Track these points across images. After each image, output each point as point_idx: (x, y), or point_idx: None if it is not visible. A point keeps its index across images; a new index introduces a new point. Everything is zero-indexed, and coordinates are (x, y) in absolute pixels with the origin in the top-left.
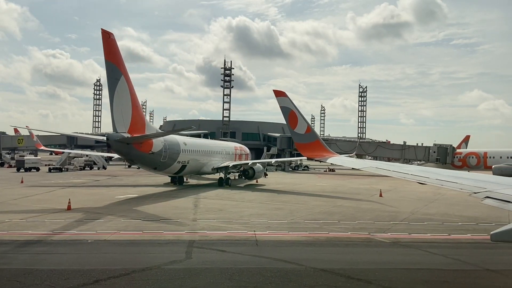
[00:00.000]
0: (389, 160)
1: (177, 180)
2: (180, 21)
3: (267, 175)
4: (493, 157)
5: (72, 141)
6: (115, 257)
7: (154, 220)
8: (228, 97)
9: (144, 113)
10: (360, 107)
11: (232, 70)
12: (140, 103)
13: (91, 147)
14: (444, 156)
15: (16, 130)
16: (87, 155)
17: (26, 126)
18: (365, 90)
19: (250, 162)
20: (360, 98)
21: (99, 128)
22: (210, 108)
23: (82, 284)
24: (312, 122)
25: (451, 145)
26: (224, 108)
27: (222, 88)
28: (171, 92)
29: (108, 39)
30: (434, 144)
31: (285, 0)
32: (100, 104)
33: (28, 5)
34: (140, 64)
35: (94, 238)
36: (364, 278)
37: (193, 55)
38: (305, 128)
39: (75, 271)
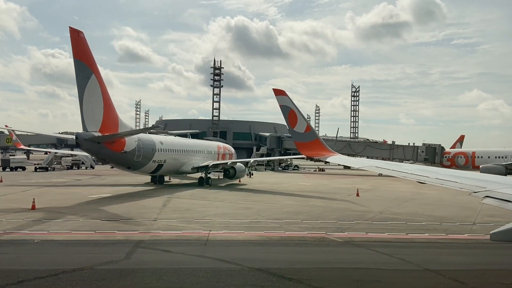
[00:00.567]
0: (382, 160)
1: (157, 179)
2: (179, 20)
3: (252, 174)
4: (481, 157)
5: (62, 141)
6: (53, 257)
7: (113, 220)
8: (218, 96)
9: (138, 112)
10: (352, 106)
11: (222, 69)
12: (135, 102)
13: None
14: (432, 156)
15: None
16: (74, 155)
17: (6, 126)
18: (357, 90)
19: (229, 161)
20: (352, 98)
21: None
22: (210, 107)
23: (5, 284)
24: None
25: (439, 145)
26: (214, 107)
27: (221, 88)
28: (170, 92)
29: (77, 37)
30: (423, 143)
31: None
32: None
33: (27, 5)
34: (139, 63)
35: (42, 238)
36: (297, 277)
37: (192, 55)
38: (305, 127)
39: (2, 271)
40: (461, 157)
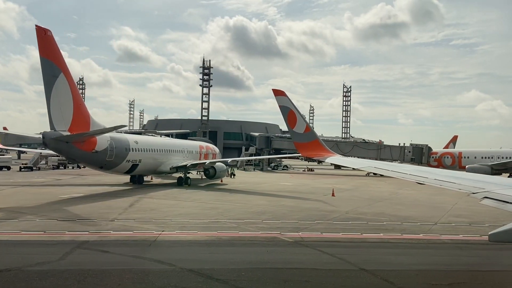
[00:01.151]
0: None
1: (136, 179)
2: (178, 20)
3: (234, 175)
4: (468, 157)
5: None
6: None
7: (70, 220)
8: (207, 96)
9: (132, 112)
10: (344, 106)
11: (212, 69)
12: (128, 102)
13: None
14: (419, 156)
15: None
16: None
17: None
18: (349, 90)
19: (207, 161)
20: (344, 98)
21: None
22: (209, 107)
23: None
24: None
25: (426, 145)
26: (203, 107)
27: (219, 87)
28: (169, 92)
29: (44, 35)
30: (410, 144)
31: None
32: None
33: (26, 4)
34: (138, 63)
35: None
36: (225, 278)
37: (191, 55)
38: (304, 127)
39: None
40: (448, 157)
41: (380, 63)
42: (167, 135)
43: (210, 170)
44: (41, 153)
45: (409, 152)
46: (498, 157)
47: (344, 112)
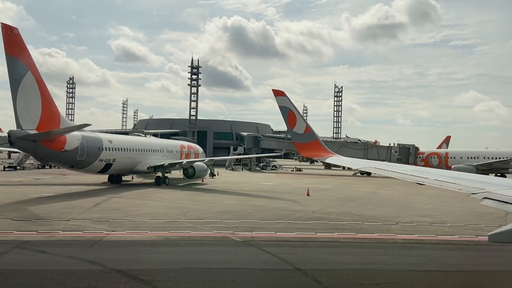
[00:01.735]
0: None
1: (114, 178)
2: (176, 20)
3: (214, 175)
4: (454, 157)
5: None
6: None
7: (26, 220)
8: (195, 95)
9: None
10: (335, 107)
11: (200, 68)
12: (121, 101)
13: None
14: (406, 156)
15: None
16: None
17: None
18: (340, 90)
19: (184, 160)
20: (335, 98)
21: None
22: (207, 107)
23: None
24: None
25: (413, 145)
26: (191, 107)
27: (218, 88)
28: (167, 92)
29: (10, 33)
30: (397, 144)
31: (283, 0)
32: (73, 102)
33: (23, 4)
34: (136, 63)
35: None
36: (150, 278)
37: (189, 55)
38: (304, 127)
39: None
40: (434, 157)
41: (378, 64)
42: (155, 135)
43: (189, 169)
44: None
45: (396, 152)
46: (484, 157)
47: (335, 112)
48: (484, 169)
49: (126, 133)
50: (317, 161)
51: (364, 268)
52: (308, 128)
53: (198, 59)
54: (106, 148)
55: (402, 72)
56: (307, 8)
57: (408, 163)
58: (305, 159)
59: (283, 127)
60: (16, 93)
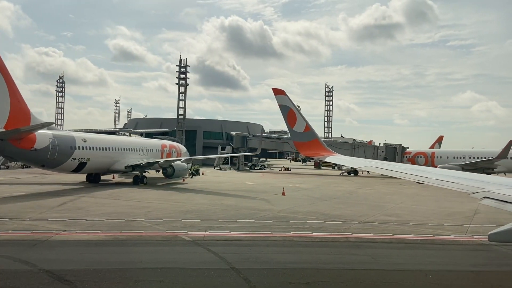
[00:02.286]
0: None
1: (92, 178)
2: (175, 20)
3: (194, 175)
4: (440, 157)
5: None
6: None
7: None
8: (183, 95)
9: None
10: (326, 106)
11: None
12: (114, 101)
13: None
14: (392, 156)
15: None
16: None
17: None
18: (331, 90)
19: (162, 160)
20: (326, 98)
21: (61, 126)
22: (205, 107)
23: None
24: None
25: (400, 145)
26: (180, 106)
27: (215, 87)
28: (165, 91)
29: None
30: (384, 143)
31: (281, 0)
32: (63, 101)
33: (20, 3)
34: (134, 63)
35: None
36: (75, 279)
37: (186, 54)
38: (304, 126)
39: None
40: (421, 157)
41: (377, 64)
42: (141, 134)
43: (168, 169)
44: None
45: (382, 151)
46: (470, 157)
47: (326, 112)
48: (469, 168)
49: (113, 132)
50: (309, 161)
51: (302, 267)
52: (308, 127)
53: (186, 58)
54: (79, 147)
55: (401, 72)
56: (305, 8)
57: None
58: (298, 159)
59: (280, 126)
60: None
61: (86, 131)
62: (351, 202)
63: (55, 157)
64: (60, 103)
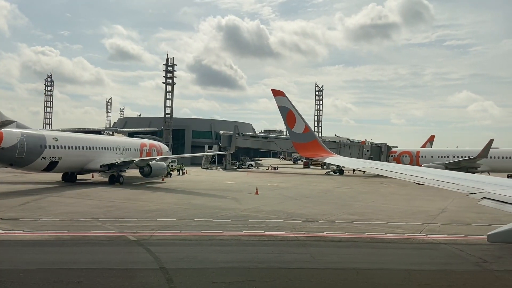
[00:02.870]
0: None
1: (68, 177)
2: (173, 19)
3: (170, 174)
4: (425, 156)
5: None
6: None
7: None
8: (170, 94)
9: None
10: (316, 106)
11: (176, 66)
12: (105, 100)
13: None
14: (377, 155)
15: None
16: None
17: None
18: (321, 89)
19: (137, 159)
20: (316, 97)
21: (50, 125)
22: (202, 106)
23: None
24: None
25: (385, 144)
26: (166, 105)
27: (213, 87)
28: (162, 90)
29: None
30: (369, 142)
31: None
32: (51, 100)
33: (17, 3)
34: (131, 62)
35: None
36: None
37: (183, 54)
38: (303, 128)
39: None
40: (406, 156)
41: (374, 64)
42: (130, 133)
43: (145, 168)
44: None
45: (367, 151)
46: (454, 156)
47: (316, 111)
48: (453, 167)
49: (98, 132)
50: (301, 160)
51: (233, 267)
52: (307, 128)
53: (173, 57)
54: (50, 146)
55: (398, 72)
56: (303, 7)
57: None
58: (290, 158)
59: (277, 126)
60: None
61: (69, 130)
62: (322, 201)
63: (24, 156)
64: (49, 102)
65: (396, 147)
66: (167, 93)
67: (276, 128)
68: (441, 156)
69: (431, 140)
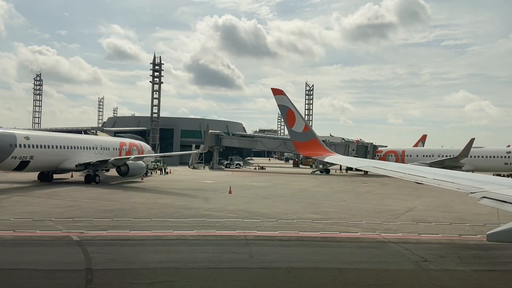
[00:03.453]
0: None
1: (45, 176)
2: (170, 18)
3: (147, 174)
4: (410, 155)
5: None
6: None
7: None
8: (157, 93)
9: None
10: (306, 105)
11: (163, 65)
12: (97, 99)
13: None
14: (363, 154)
15: None
16: None
17: None
18: (311, 88)
19: (112, 158)
20: (306, 96)
21: (39, 124)
22: (200, 106)
23: None
24: (279, 119)
25: (371, 143)
26: (153, 104)
27: (210, 86)
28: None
29: None
30: (356, 141)
31: None
32: (40, 99)
33: (13, 2)
34: (128, 61)
35: None
36: None
37: (180, 53)
38: (303, 126)
39: None
40: (391, 155)
41: (371, 63)
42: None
43: (122, 167)
44: None
45: (353, 150)
46: (439, 155)
47: (306, 111)
48: (437, 166)
49: (85, 131)
50: (291, 160)
51: (162, 267)
52: (307, 127)
53: (160, 56)
54: (20, 145)
55: (395, 72)
56: (300, 7)
57: None
58: (282, 158)
59: (275, 125)
60: None
61: (51, 130)
62: (293, 200)
63: None
64: (38, 101)
65: (386, 146)
66: (154, 92)
67: (271, 128)
68: (426, 155)
69: (423, 139)
